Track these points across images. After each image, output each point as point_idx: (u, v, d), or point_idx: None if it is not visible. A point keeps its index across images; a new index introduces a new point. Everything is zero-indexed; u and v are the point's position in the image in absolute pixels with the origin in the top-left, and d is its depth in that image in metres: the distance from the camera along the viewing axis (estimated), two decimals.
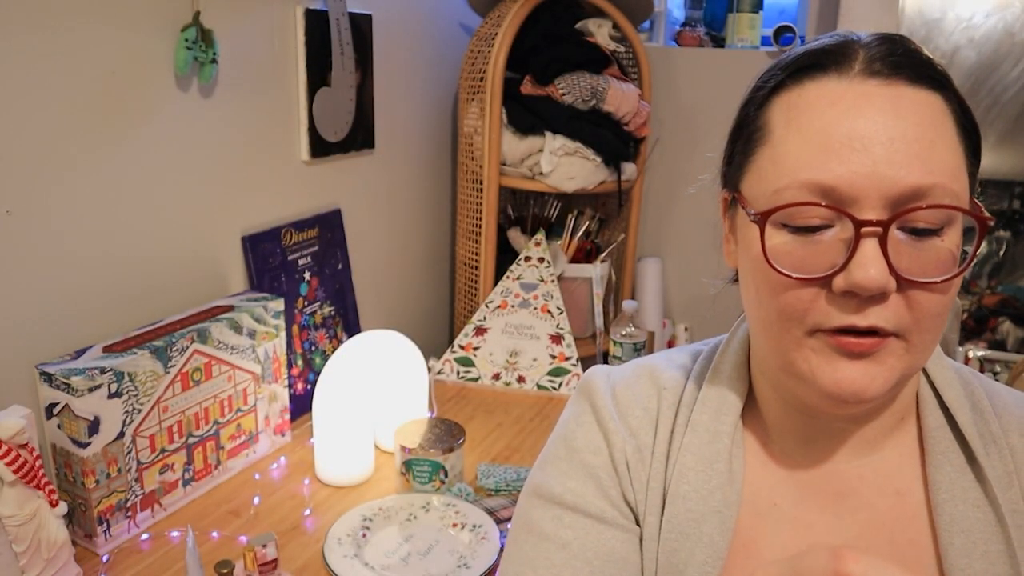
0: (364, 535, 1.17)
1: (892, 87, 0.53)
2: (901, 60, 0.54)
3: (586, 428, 0.67)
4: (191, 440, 1.23)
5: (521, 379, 1.74)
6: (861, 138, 0.51)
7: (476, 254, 1.88)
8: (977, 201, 0.57)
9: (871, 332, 0.53)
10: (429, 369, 1.67)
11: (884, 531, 0.60)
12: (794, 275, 0.53)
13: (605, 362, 1.81)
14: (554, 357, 1.74)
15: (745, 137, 0.59)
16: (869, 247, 0.51)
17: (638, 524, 0.65)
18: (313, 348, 1.60)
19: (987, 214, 0.53)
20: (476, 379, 1.75)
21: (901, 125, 0.51)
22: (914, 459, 0.62)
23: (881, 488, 0.61)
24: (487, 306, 1.80)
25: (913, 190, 0.51)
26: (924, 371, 0.63)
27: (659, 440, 0.65)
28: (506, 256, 1.89)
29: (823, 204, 0.52)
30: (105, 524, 1.11)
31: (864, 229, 0.51)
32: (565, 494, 0.65)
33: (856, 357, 0.53)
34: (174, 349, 1.17)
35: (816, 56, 0.55)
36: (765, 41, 2.01)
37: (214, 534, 1.16)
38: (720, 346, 0.68)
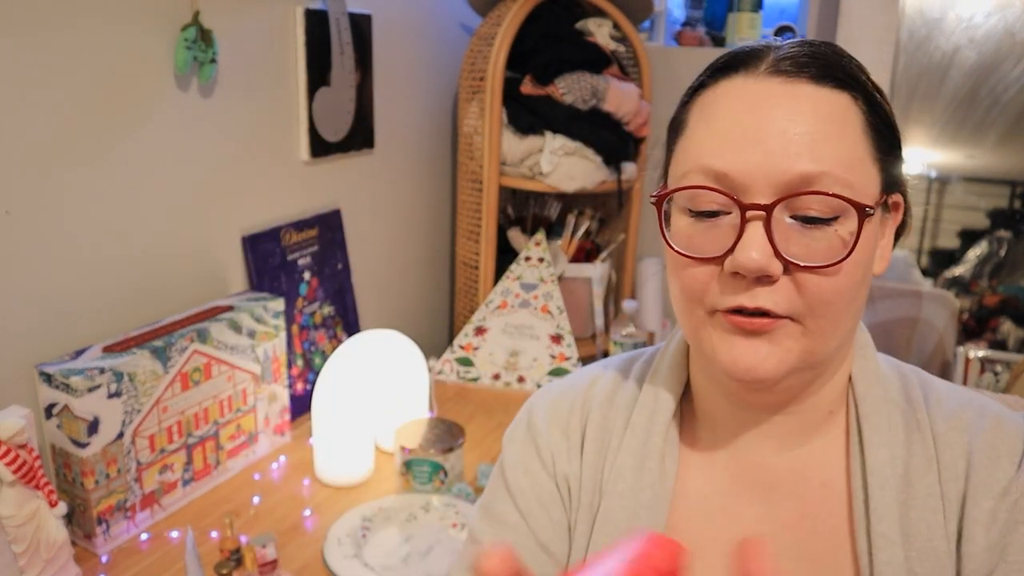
0: (364, 535, 1.17)
1: (794, 85, 0.56)
2: (807, 61, 0.57)
3: (518, 445, 0.72)
4: (191, 440, 1.23)
5: (521, 379, 1.73)
6: (757, 130, 0.55)
7: (476, 254, 1.88)
8: (902, 195, 0.61)
9: (762, 313, 0.56)
10: (429, 369, 1.67)
11: (807, 521, 0.64)
12: (688, 254, 0.57)
13: None
14: (554, 357, 1.74)
15: (671, 133, 0.63)
16: (754, 230, 0.54)
17: (566, 516, 0.70)
18: (313, 348, 1.60)
19: (868, 203, 0.55)
20: (476, 379, 1.75)
21: (796, 119, 0.55)
22: (840, 451, 0.64)
23: (808, 480, 0.64)
24: (487, 306, 1.80)
25: (801, 177, 0.54)
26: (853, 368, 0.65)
27: (588, 440, 0.69)
28: (506, 256, 1.88)
29: (712, 188, 0.56)
30: (104, 524, 1.11)
31: (749, 213, 0.55)
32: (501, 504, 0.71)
33: (750, 335, 0.57)
34: (174, 349, 1.17)
35: (732, 58, 0.60)
36: None
37: (214, 534, 1.16)
38: (661, 348, 0.72)
